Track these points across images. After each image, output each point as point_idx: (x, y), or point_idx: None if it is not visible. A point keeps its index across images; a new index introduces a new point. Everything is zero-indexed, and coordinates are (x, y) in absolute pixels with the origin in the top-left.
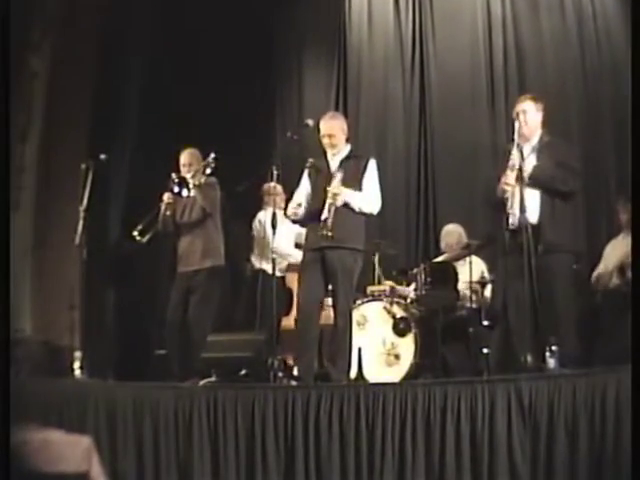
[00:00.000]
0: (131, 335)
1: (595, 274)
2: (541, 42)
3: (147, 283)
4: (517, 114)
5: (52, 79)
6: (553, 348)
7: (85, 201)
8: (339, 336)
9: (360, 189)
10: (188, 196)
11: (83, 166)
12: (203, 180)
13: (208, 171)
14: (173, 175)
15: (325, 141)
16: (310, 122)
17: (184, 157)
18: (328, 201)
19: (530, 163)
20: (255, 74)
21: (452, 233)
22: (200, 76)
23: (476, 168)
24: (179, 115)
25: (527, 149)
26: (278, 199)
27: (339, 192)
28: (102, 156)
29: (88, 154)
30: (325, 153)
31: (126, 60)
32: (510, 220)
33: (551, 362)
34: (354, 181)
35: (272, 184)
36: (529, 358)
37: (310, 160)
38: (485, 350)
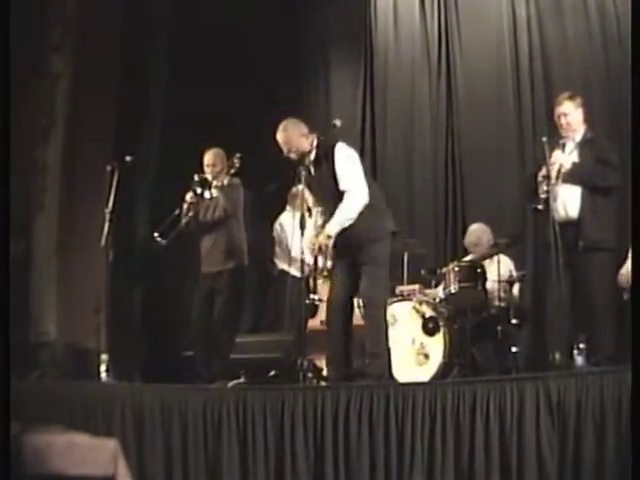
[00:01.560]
0: (158, 337)
1: (622, 271)
2: (565, 42)
3: (174, 284)
4: (558, 117)
5: (75, 79)
6: (581, 346)
7: (111, 203)
8: (372, 328)
9: (337, 184)
10: (211, 197)
11: (108, 168)
12: (226, 181)
13: (232, 171)
14: (195, 176)
15: (292, 156)
16: (338, 122)
17: (208, 157)
18: (317, 253)
19: (571, 160)
20: (282, 75)
21: (477, 232)
22: (226, 76)
23: (503, 167)
24: (205, 116)
25: (570, 146)
26: (305, 204)
27: (323, 243)
28: (128, 158)
29: (113, 155)
30: (299, 164)
31: (150, 60)
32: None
33: (579, 360)
34: (330, 180)
35: (300, 187)
36: (557, 356)
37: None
38: (514, 349)
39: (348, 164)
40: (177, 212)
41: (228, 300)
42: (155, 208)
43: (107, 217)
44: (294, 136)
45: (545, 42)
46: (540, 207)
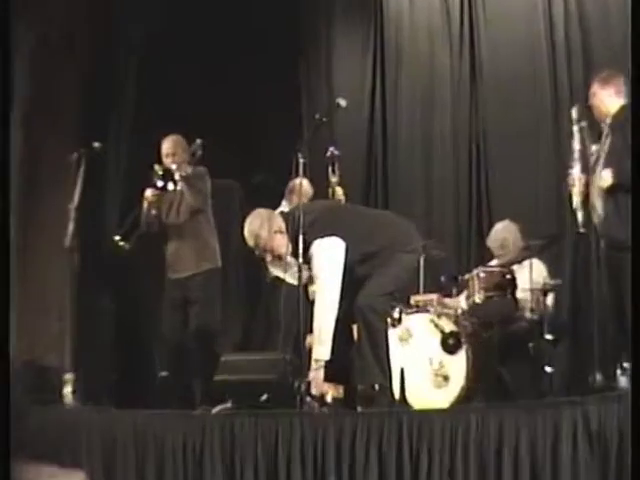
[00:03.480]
0: (131, 354)
1: None
2: (607, 8)
3: (150, 293)
4: (589, 98)
5: (37, 60)
6: (625, 365)
7: (76, 197)
8: (373, 342)
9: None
10: (174, 190)
11: (74, 156)
12: (190, 171)
13: (195, 160)
14: (156, 167)
15: (266, 257)
16: (343, 102)
17: (166, 145)
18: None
19: (603, 148)
20: (278, 47)
21: (503, 233)
22: (212, 49)
23: (536, 154)
24: (186, 96)
25: (605, 130)
26: (304, 199)
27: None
28: (96, 144)
29: (80, 143)
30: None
31: (124, 37)
32: (579, 219)
33: (622, 381)
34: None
35: (298, 180)
36: (598, 377)
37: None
38: (548, 368)
39: (323, 268)
40: (138, 210)
41: (204, 309)
42: (127, 204)
43: (72, 214)
44: (266, 233)
45: (583, 11)
46: (582, 230)
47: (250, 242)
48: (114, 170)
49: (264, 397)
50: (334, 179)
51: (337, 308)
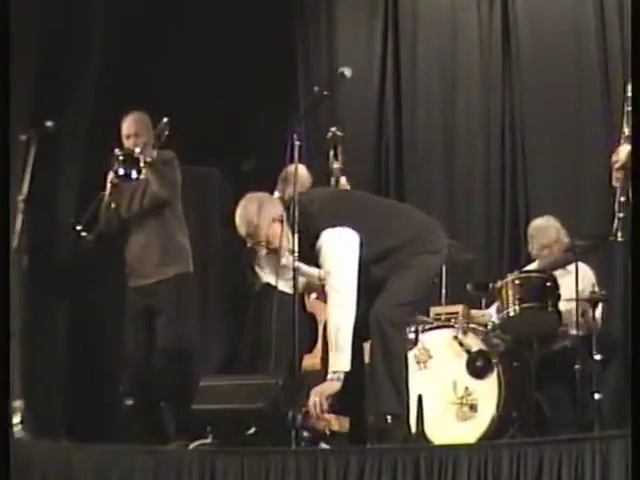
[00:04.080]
0: (91, 378)
1: None
2: None
3: (111, 304)
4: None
5: None
6: None
7: (25, 187)
8: (378, 361)
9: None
10: (138, 179)
11: (23, 138)
12: (155, 155)
13: (161, 143)
14: (117, 151)
15: (259, 250)
16: (347, 72)
17: (128, 125)
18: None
19: None
20: (269, 4)
21: (545, 230)
22: (187, 4)
23: (582, 138)
24: (154, 64)
25: None
26: (299, 187)
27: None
28: (48, 123)
29: (30, 122)
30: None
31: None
32: (615, 222)
33: None
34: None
35: (293, 166)
36: None
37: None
38: (597, 395)
39: (337, 260)
40: (98, 202)
41: (174, 323)
42: (86, 196)
43: (20, 207)
44: (262, 220)
45: None
46: (620, 238)
47: (242, 231)
48: (71, 155)
49: (252, 430)
50: (337, 166)
51: (355, 307)
